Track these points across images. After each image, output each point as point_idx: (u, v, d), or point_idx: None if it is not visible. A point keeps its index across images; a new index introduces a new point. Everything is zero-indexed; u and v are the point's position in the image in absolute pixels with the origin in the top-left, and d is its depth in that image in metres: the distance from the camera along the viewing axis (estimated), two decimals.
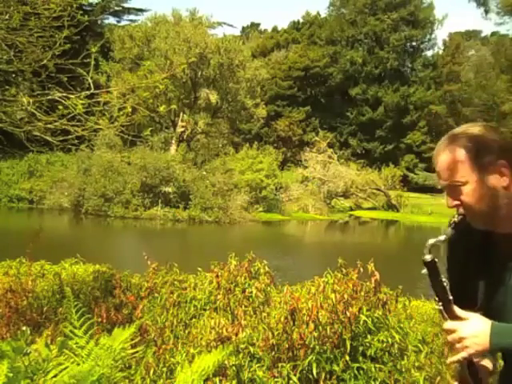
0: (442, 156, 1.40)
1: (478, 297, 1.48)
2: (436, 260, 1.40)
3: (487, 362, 1.48)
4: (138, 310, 4.26)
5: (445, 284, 1.40)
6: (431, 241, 1.40)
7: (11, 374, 1.68)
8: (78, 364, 2.02)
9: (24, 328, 2.01)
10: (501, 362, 1.50)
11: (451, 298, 1.39)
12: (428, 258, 1.39)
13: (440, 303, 1.39)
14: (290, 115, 46.10)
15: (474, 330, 1.33)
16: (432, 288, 1.41)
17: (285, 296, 3.55)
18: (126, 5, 41.90)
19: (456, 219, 1.42)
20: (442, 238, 1.41)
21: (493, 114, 32.39)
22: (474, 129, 1.40)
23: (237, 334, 3.39)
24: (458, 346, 1.35)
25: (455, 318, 1.38)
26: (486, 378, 1.47)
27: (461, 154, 1.37)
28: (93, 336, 2.31)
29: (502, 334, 1.32)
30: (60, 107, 4.25)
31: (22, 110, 4.59)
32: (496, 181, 1.36)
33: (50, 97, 4.45)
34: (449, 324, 1.37)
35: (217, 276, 4.42)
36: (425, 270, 1.40)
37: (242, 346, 3.26)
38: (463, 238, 1.47)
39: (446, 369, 3.43)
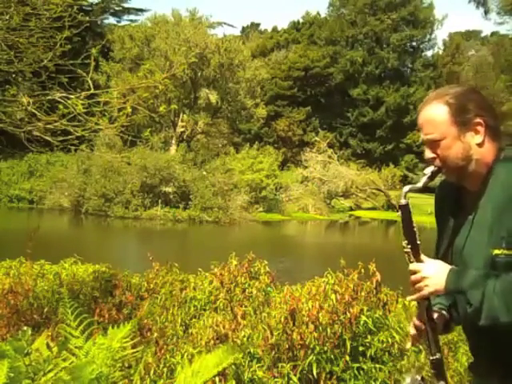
0: (425, 111, 1.53)
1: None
2: (410, 205, 1.52)
3: (444, 313, 1.64)
4: (140, 311, 4.26)
5: (415, 230, 1.52)
6: (407, 187, 1.55)
7: (12, 374, 1.68)
8: (75, 364, 2.02)
9: (25, 328, 2.01)
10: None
11: (419, 242, 1.51)
12: (403, 201, 1.52)
13: (409, 246, 1.51)
14: (290, 115, 46.07)
15: (434, 271, 1.47)
16: (403, 231, 1.53)
17: (285, 296, 3.55)
18: (125, 5, 41.93)
19: (432, 170, 1.54)
20: (419, 184, 1.54)
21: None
22: (458, 89, 1.53)
23: (234, 330, 3.39)
24: (419, 285, 1.48)
25: (419, 261, 1.50)
26: (440, 324, 1.61)
27: (442, 110, 1.49)
28: (91, 336, 2.31)
29: (456, 277, 1.43)
30: (60, 107, 4.25)
31: (22, 110, 4.59)
32: (471, 138, 1.49)
33: (50, 97, 4.45)
34: (414, 265, 1.50)
35: (220, 274, 4.42)
36: (399, 213, 1.53)
37: (243, 346, 3.26)
38: (443, 194, 1.64)
39: (445, 369, 3.43)
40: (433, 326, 1.55)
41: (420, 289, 1.48)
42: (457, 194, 1.59)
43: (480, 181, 1.50)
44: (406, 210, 1.52)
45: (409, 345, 1.68)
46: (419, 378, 1.59)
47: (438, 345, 1.56)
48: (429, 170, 1.54)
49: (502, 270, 1.38)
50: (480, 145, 1.49)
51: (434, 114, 1.51)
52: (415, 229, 1.53)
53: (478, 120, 1.48)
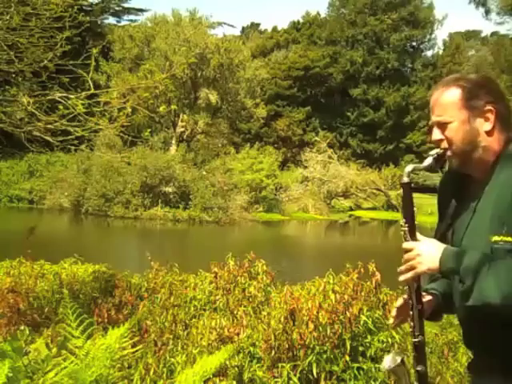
0: (438, 92, 1.53)
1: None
2: (412, 184, 1.53)
3: (434, 298, 1.63)
4: (139, 311, 4.26)
5: (414, 209, 1.52)
6: (410, 166, 1.55)
7: (11, 374, 1.68)
8: (76, 364, 2.02)
9: (22, 327, 2.01)
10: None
11: (416, 222, 1.51)
12: (405, 179, 1.53)
13: (406, 225, 1.50)
14: (290, 115, 46.07)
15: (428, 248, 1.46)
16: (402, 210, 1.53)
17: (285, 296, 3.55)
18: (126, 5, 41.89)
19: (438, 152, 1.53)
20: (422, 165, 1.54)
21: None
22: (474, 75, 1.54)
23: (238, 334, 3.39)
24: (412, 262, 1.46)
25: (415, 240, 1.50)
26: (428, 308, 1.60)
27: (455, 93, 1.50)
28: (91, 336, 2.31)
29: (451, 255, 1.42)
30: (60, 107, 4.25)
31: (22, 110, 4.59)
32: (480, 124, 1.48)
33: (50, 97, 4.45)
34: (409, 243, 1.49)
35: (215, 277, 4.42)
36: (400, 191, 1.54)
37: (243, 345, 3.26)
38: (447, 180, 1.64)
39: (445, 369, 3.43)
40: (419, 307, 1.53)
41: (413, 267, 1.46)
42: (461, 182, 1.58)
43: (486, 169, 1.49)
44: (407, 188, 1.53)
45: (391, 321, 1.67)
46: (399, 360, 1.58)
47: (422, 328, 1.54)
48: (434, 152, 1.54)
49: (501, 257, 1.37)
50: (489, 133, 1.49)
51: (447, 96, 1.51)
52: (414, 208, 1.52)
53: (490, 107, 1.48)
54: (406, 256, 1.48)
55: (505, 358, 1.44)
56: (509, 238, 1.37)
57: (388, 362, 1.59)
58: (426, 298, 1.61)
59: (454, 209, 1.58)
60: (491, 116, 1.48)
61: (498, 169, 1.47)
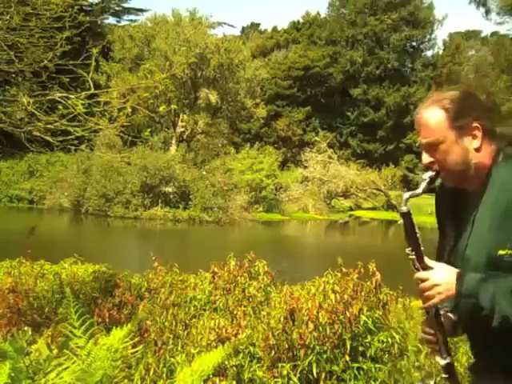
0: (423, 115, 1.53)
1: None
2: (411, 212, 1.52)
3: (451, 316, 1.61)
4: (138, 310, 4.26)
5: (418, 235, 1.51)
6: (407, 194, 1.54)
7: (13, 374, 1.68)
8: (78, 364, 2.02)
9: (25, 328, 2.01)
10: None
11: (423, 248, 1.49)
12: (404, 209, 1.51)
13: (413, 253, 1.49)
14: (290, 115, 46.06)
15: (444, 276, 1.44)
16: (406, 238, 1.52)
17: (285, 296, 3.55)
18: (125, 5, 41.87)
19: (431, 175, 1.53)
20: (418, 191, 1.54)
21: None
22: (455, 92, 1.52)
23: (236, 335, 3.39)
24: (429, 292, 1.45)
25: (425, 267, 1.48)
26: (449, 327, 1.59)
27: (440, 114, 1.49)
28: (92, 336, 2.31)
29: (467, 281, 1.41)
30: (60, 107, 4.25)
31: (22, 110, 4.59)
32: (469, 142, 1.49)
33: (50, 97, 4.45)
34: (422, 273, 1.47)
35: (213, 277, 4.42)
36: (401, 221, 1.52)
37: (242, 346, 3.26)
38: (442, 197, 1.64)
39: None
40: (442, 330, 1.54)
41: (431, 297, 1.46)
42: (456, 197, 1.58)
43: (480, 182, 1.50)
44: (407, 217, 1.52)
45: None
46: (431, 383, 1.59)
47: (447, 349, 1.56)
48: (427, 176, 1.54)
49: (507, 271, 1.38)
50: (478, 149, 1.49)
51: (432, 119, 1.50)
52: (418, 235, 1.51)
53: (476, 124, 1.48)
54: (421, 286, 1.47)
55: (505, 360, 1.46)
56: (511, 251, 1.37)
57: None
58: (446, 316, 1.61)
59: (452, 224, 1.59)
60: (478, 133, 1.49)
61: (491, 179, 1.48)
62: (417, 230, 1.51)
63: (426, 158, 1.54)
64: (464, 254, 1.52)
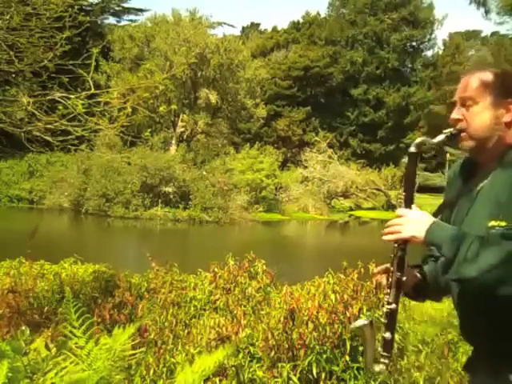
0: (472, 73, 1.54)
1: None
2: (418, 155, 1.52)
3: (415, 272, 1.63)
4: (138, 310, 4.26)
5: (416, 180, 1.52)
6: (421, 138, 1.54)
7: (11, 374, 1.68)
8: (77, 364, 2.02)
9: (23, 327, 2.01)
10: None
11: (415, 194, 1.51)
12: (413, 149, 1.52)
13: (404, 193, 1.51)
14: (290, 115, 46.07)
15: (418, 217, 1.46)
16: (404, 179, 1.53)
17: (284, 296, 3.55)
18: (125, 5, 41.88)
19: (452, 130, 1.53)
20: (433, 140, 1.54)
21: None
22: (509, 68, 1.56)
23: (237, 333, 3.39)
24: (399, 226, 1.47)
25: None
26: (410, 281, 1.59)
27: (488, 77, 1.51)
28: (92, 336, 2.31)
29: (439, 228, 1.43)
30: (60, 107, 4.25)
31: (22, 110, 4.59)
32: (501, 114, 1.49)
33: (50, 97, 4.45)
34: (401, 210, 1.50)
35: (214, 276, 4.43)
36: (405, 159, 1.55)
37: (242, 345, 3.26)
38: (457, 169, 1.64)
39: (445, 369, 3.43)
40: (398, 275, 1.53)
41: (398, 231, 1.47)
42: (470, 173, 1.58)
43: (494, 157, 1.50)
44: (413, 158, 1.52)
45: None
46: (367, 322, 1.57)
47: (397, 297, 1.54)
48: (448, 130, 1.54)
49: (494, 242, 1.37)
50: (508, 124, 1.50)
51: (479, 78, 1.52)
52: (416, 179, 1.53)
53: None
54: (395, 220, 1.49)
55: (495, 347, 1.45)
56: (503, 223, 1.38)
57: (358, 322, 1.59)
58: (410, 271, 1.61)
59: (458, 192, 1.59)
60: None
61: (505, 162, 1.47)
62: (417, 174, 1.52)
63: (455, 114, 1.54)
64: (462, 222, 1.52)
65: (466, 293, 1.45)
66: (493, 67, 1.55)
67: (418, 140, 1.54)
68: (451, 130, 1.53)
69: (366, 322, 1.56)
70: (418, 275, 1.64)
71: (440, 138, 1.54)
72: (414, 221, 1.46)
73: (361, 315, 1.46)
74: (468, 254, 1.34)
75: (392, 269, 1.54)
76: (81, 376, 1.82)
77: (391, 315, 1.54)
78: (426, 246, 1.52)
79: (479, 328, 1.49)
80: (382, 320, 1.56)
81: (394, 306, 1.53)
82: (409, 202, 1.51)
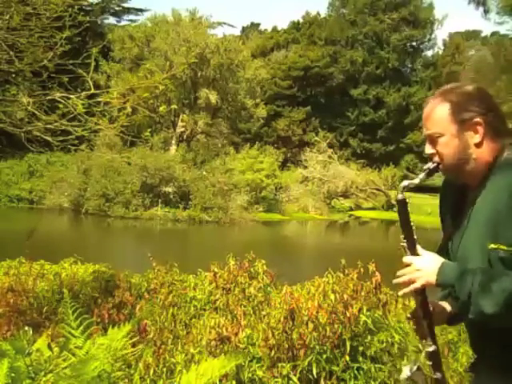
0: (429, 107, 1.55)
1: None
2: (407, 200, 1.55)
3: (445, 304, 1.64)
4: (136, 310, 4.26)
5: (412, 224, 1.54)
6: (405, 182, 1.57)
7: (13, 374, 1.68)
8: (75, 363, 2.02)
9: (26, 328, 2.01)
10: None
11: (416, 237, 1.52)
12: (400, 196, 1.55)
13: (405, 240, 1.53)
14: (290, 115, 46.05)
15: (426, 263, 1.48)
16: (400, 226, 1.54)
17: (284, 296, 3.55)
18: (125, 5, 41.88)
19: (430, 166, 1.56)
20: (416, 180, 1.57)
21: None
22: (463, 87, 1.54)
23: (236, 334, 3.39)
24: (410, 276, 1.49)
25: (415, 254, 1.52)
26: (440, 320, 1.63)
27: (444, 107, 1.51)
28: (91, 336, 2.31)
29: (448, 270, 1.45)
30: (60, 107, 4.25)
31: (22, 110, 4.59)
32: (470, 137, 1.50)
33: (50, 97, 4.45)
34: (408, 258, 1.52)
35: (214, 276, 4.43)
36: (396, 208, 1.55)
37: (242, 345, 3.26)
38: (446, 191, 1.67)
39: (445, 369, 3.43)
40: (428, 318, 1.56)
41: (412, 281, 1.49)
42: (460, 191, 1.60)
43: (480, 178, 1.51)
44: (402, 204, 1.55)
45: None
46: (415, 368, 1.59)
47: (433, 337, 1.57)
48: (426, 167, 1.56)
49: (497, 265, 1.40)
50: (478, 145, 1.50)
51: (436, 111, 1.53)
52: (412, 223, 1.54)
53: (478, 120, 1.49)
54: (405, 270, 1.51)
55: (503, 358, 1.47)
56: (503, 247, 1.39)
57: (406, 370, 1.61)
58: (438, 305, 1.63)
59: (453, 218, 1.61)
60: (480, 128, 1.49)
61: (491, 177, 1.49)
62: (411, 219, 1.54)
63: (427, 149, 1.56)
64: (459, 248, 1.54)
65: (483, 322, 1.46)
66: (445, 92, 1.54)
67: (402, 185, 1.56)
68: (429, 165, 1.56)
69: (415, 369, 1.58)
70: (447, 307, 1.65)
71: (421, 176, 1.57)
72: (424, 268, 1.48)
73: (403, 367, 1.50)
74: (482, 293, 1.36)
75: (420, 314, 1.57)
76: (79, 367, 1.81)
77: (435, 356, 1.57)
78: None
79: (490, 345, 1.50)
80: (425, 361, 1.59)
81: (434, 347, 1.56)
82: (412, 248, 1.52)
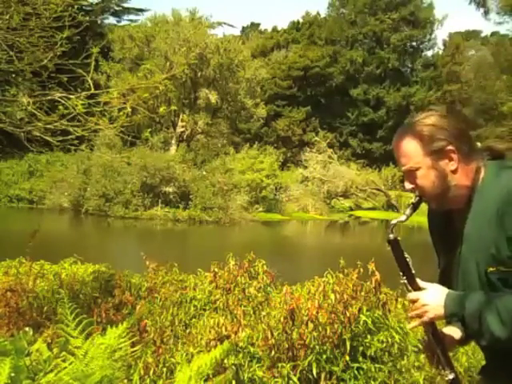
0: (399, 144, 1.56)
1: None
2: (398, 238, 1.57)
3: (454, 331, 1.64)
4: (137, 310, 4.26)
5: (408, 260, 1.55)
6: (393, 221, 1.59)
7: (13, 374, 1.68)
8: (75, 364, 2.02)
9: (27, 328, 2.01)
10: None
11: (414, 271, 1.54)
12: (391, 236, 1.57)
13: (404, 277, 1.55)
14: (290, 115, 46.06)
15: (433, 297, 1.50)
16: (396, 263, 1.56)
17: (284, 296, 3.55)
18: (125, 5, 41.90)
19: (414, 200, 1.58)
20: (403, 218, 1.59)
21: (493, 114, 32.37)
22: (428, 118, 1.54)
23: (236, 333, 3.39)
24: (418, 312, 1.51)
25: (417, 289, 1.54)
26: (452, 345, 1.65)
27: (414, 142, 1.52)
28: (89, 336, 2.31)
29: (454, 301, 1.46)
30: (60, 107, 4.25)
31: (22, 110, 4.59)
32: (445, 165, 1.51)
33: (50, 97, 4.45)
34: (412, 294, 1.53)
35: (214, 276, 4.43)
36: (389, 248, 1.57)
37: (242, 345, 3.26)
38: (432, 218, 1.68)
39: None
40: (442, 347, 1.58)
41: (420, 316, 1.52)
42: (445, 218, 1.61)
43: (463, 202, 1.53)
44: (395, 244, 1.57)
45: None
46: None
47: (450, 364, 1.59)
48: (410, 202, 1.59)
49: (499, 287, 1.41)
50: (455, 171, 1.51)
51: (407, 147, 1.54)
52: (408, 259, 1.56)
53: (450, 147, 1.50)
54: (412, 307, 1.54)
55: None
56: (502, 268, 1.40)
57: None
58: (449, 331, 1.65)
59: (446, 244, 1.62)
60: (454, 155, 1.50)
61: (475, 197, 1.50)
62: (406, 255, 1.56)
63: (407, 185, 1.58)
64: (458, 272, 1.55)
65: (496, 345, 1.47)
66: (410, 126, 1.54)
67: (391, 225, 1.58)
68: (412, 200, 1.58)
69: None
70: (458, 331, 1.65)
71: (408, 212, 1.59)
72: (430, 302, 1.50)
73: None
74: (492, 318, 1.37)
75: (433, 346, 1.58)
76: (80, 374, 1.81)
77: (455, 382, 1.59)
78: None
79: (500, 352, 1.50)
80: None
81: (453, 375, 1.58)
82: (413, 283, 1.54)
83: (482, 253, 1.44)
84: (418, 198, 1.56)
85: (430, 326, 1.56)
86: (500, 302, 1.37)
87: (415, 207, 1.58)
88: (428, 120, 1.53)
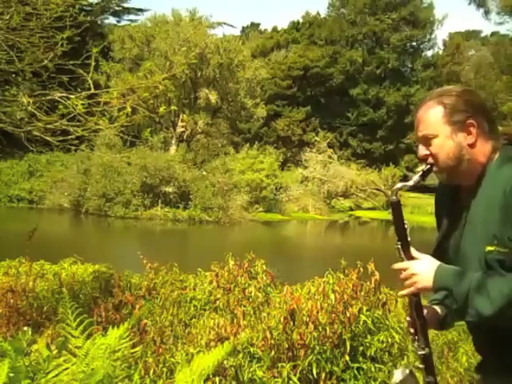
0: (422, 109, 1.58)
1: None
2: (401, 202, 1.56)
3: (439, 308, 1.66)
4: (136, 309, 4.26)
5: (406, 226, 1.55)
6: (399, 184, 1.59)
7: (12, 374, 1.68)
8: (76, 364, 2.02)
9: (25, 328, 2.01)
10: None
11: (409, 239, 1.54)
12: (394, 198, 1.56)
13: (399, 243, 1.54)
14: (290, 115, 46.05)
15: (423, 268, 1.49)
16: (394, 228, 1.56)
17: (285, 296, 3.55)
18: (125, 5, 41.85)
19: (424, 168, 1.57)
20: (410, 182, 1.58)
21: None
22: (455, 89, 1.57)
23: (236, 334, 3.39)
24: (407, 281, 1.51)
25: (410, 258, 1.53)
26: (434, 321, 1.64)
27: (438, 109, 1.54)
28: (90, 336, 2.31)
29: (444, 274, 1.46)
30: (60, 107, 4.25)
31: (22, 110, 4.59)
32: (463, 138, 1.52)
33: (50, 97, 4.45)
34: (403, 262, 1.53)
35: (216, 275, 4.43)
36: (390, 210, 1.57)
37: (242, 346, 3.26)
38: (441, 194, 1.67)
39: (445, 369, 3.43)
40: (422, 322, 1.57)
41: (409, 285, 1.51)
42: (455, 194, 1.61)
43: (474, 179, 1.53)
44: (396, 206, 1.56)
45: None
46: (408, 372, 1.59)
47: (426, 340, 1.58)
48: (420, 168, 1.58)
49: (495, 267, 1.41)
50: (472, 145, 1.52)
51: (429, 113, 1.56)
52: (406, 225, 1.55)
53: (471, 121, 1.51)
54: (402, 275, 1.53)
55: (510, 358, 1.47)
56: (501, 249, 1.40)
57: (398, 375, 1.62)
58: (431, 309, 1.65)
59: (449, 220, 1.62)
60: (473, 129, 1.51)
61: (485, 178, 1.50)
62: (405, 221, 1.55)
63: (421, 151, 1.59)
64: (458, 251, 1.55)
65: (482, 324, 1.47)
66: (438, 94, 1.56)
67: (396, 187, 1.59)
68: (423, 167, 1.58)
69: (407, 373, 1.59)
70: (439, 310, 1.67)
71: (415, 178, 1.58)
72: (420, 273, 1.49)
73: (396, 369, 1.50)
74: (479, 296, 1.37)
75: (413, 317, 1.58)
76: (81, 375, 1.82)
77: (427, 359, 1.58)
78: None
79: (494, 346, 1.51)
80: (418, 365, 1.60)
81: (427, 350, 1.57)
82: (407, 251, 1.54)
83: (484, 232, 1.44)
84: (428, 167, 1.56)
85: (415, 298, 1.55)
86: (492, 280, 1.37)
87: (424, 175, 1.57)
88: (454, 92, 1.55)
